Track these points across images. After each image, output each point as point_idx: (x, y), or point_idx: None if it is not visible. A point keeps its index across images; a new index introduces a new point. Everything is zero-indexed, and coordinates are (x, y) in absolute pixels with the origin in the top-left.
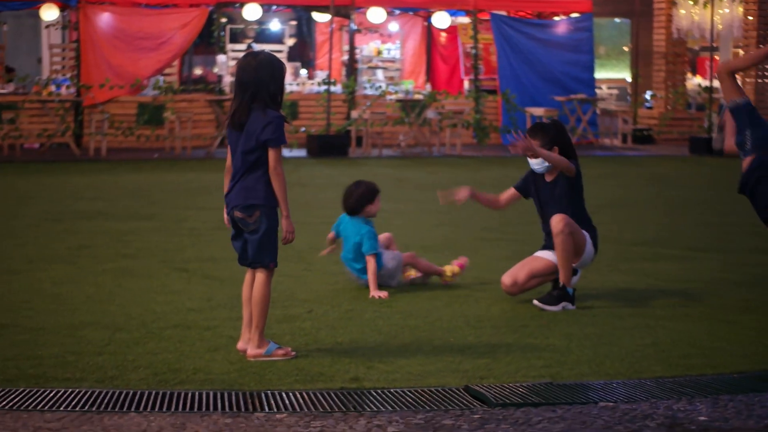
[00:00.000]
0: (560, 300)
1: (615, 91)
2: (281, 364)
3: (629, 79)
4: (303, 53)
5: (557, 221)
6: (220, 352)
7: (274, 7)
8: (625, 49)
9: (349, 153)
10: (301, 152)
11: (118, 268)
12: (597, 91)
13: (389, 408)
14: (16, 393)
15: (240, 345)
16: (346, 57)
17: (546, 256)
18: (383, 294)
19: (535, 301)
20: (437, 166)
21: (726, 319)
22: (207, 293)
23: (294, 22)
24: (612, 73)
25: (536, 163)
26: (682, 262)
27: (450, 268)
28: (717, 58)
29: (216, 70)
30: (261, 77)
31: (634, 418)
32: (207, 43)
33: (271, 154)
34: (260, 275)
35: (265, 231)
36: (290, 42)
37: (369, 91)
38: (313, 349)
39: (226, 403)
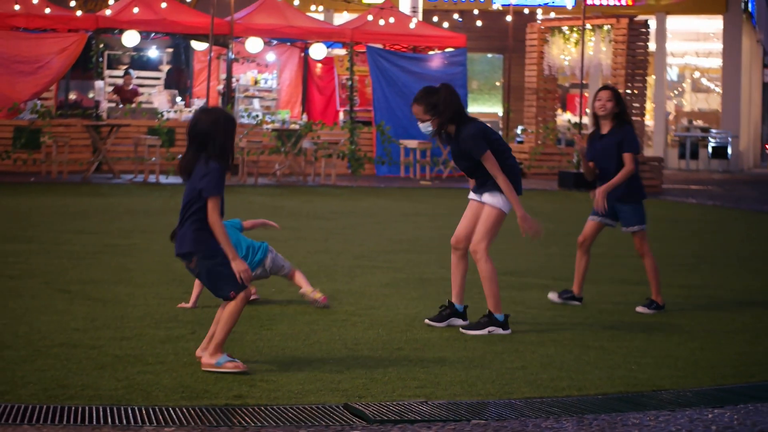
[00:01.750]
0: (486, 325)
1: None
2: (167, 382)
3: (501, 114)
4: (180, 81)
5: (472, 250)
6: (107, 370)
7: (153, 35)
8: (498, 84)
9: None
10: (177, 179)
11: (2, 288)
12: None
13: (273, 423)
14: None
15: (198, 352)
16: (223, 85)
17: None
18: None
19: (462, 329)
20: (312, 195)
21: (593, 345)
22: (90, 314)
23: (171, 50)
24: (485, 108)
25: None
26: (550, 291)
27: (313, 293)
28: (586, 94)
29: (92, 95)
30: (210, 131)
31: None
32: (84, 68)
33: (208, 203)
34: (230, 303)
35: (207, 272)
36: (167, 69)
37: (246, 120)
38: (197, 368)
39: (116, 417)
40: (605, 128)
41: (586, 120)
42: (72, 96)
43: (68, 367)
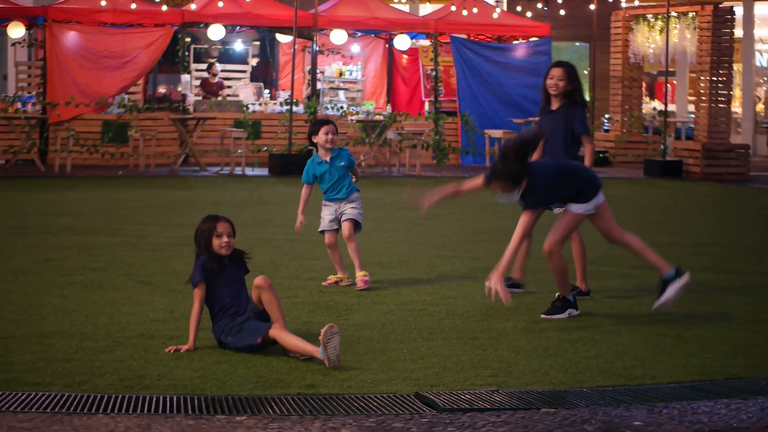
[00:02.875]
0: (564, 309)
1: None
2: (241, 372)
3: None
4: (266, 73)
5: (545, 245)
6: (183, 360)
7: (238, 28)
8: (585, 72)
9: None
10: (263, 171)
11: (85, 280)
12: None
13: (343, 412)
14: None
15: None
16: (308, 78)
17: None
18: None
19: (543, 315)
20: (396, 185)
21: (669, 334)
22: (170, 305)
23: (257, 43)
24: None
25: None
26: (629, 279)
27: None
28: (674, 82)
29: (180, 89)
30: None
31: (573, 423)
32: (171, 62)
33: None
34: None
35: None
36: (253, 62)
37: (330, 112)
38: (271, 358)
39: (189, 406)
40: (555, 105)
41: (672, 107)
42: (161, 90)
43: (145, 358)
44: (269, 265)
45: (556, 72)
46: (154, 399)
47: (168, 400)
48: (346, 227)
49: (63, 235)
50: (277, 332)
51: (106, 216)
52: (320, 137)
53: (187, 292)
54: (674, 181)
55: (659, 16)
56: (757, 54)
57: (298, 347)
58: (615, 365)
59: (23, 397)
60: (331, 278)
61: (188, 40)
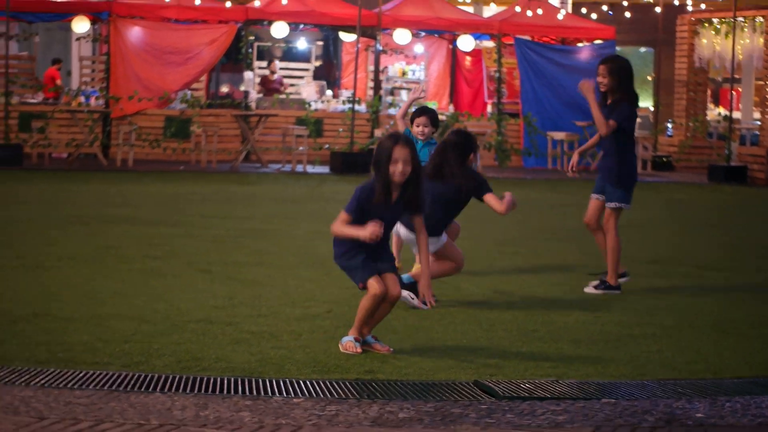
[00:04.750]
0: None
1: (638, 120)
2: (299, 357)
3: (652, 108)
4: (329, 72)
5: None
6: (242, 345)
7: (302, 26)
8: (649, 78)
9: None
10: (324, 169)
11: (145, 268)
12: None
13: (401, 397)
14: (48, 373)
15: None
16: (371, 77)
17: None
18: None
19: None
20: None
21: (732, 331)
22: (229, 293)
23: (321, 42)
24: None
25: None
26: (693, 279)
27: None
28: (739, 89)
29: (242, 87)
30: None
31: (634, 413)
32: (234, 60)
33: None
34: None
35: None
36: (316, 62)
37: (393, 111)
38: (331, 345)
39: (246, 388)
40: (608, 101)
41: (737, 114)
42: (224, 89)
43: (203, 341)
44: (329, 257)
45: (601, 69)
46: (212, 380)
47: (225, 381)
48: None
49: (123, 225)
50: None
51: (166, 208)
52: (413, 128)
53: (246, 281)
54: (739, 186)
55: (725, 21)
56: None
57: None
58: (677, 360)
59: (81, 375)
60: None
61: (252, 37)
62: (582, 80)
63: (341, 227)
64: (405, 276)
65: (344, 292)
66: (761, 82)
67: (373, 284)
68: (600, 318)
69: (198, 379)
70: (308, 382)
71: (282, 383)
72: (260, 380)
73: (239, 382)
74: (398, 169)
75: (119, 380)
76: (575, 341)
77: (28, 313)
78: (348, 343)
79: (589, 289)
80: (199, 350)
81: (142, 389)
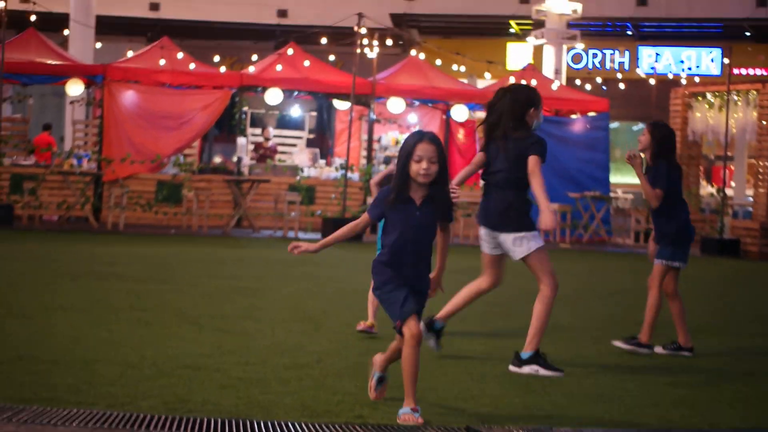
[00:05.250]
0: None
1: (630, 196)
2: (288, 402)
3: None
4: (322, 140)
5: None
6: (229, 390)
7: (296, 93)
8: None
9: (363, 238)
10: (316, 235)
11: (132, 318)
12: (612, 194)
13: None
14: (31, 410)
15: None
16: (365, 146)
17: None
18: None
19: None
20: (450, 252)
21: (728, 387)
22: (217, 342)
23: (314, 113)
24: (627, 178)
25: None
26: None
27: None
28: (732, 167)
29: (236, 153)
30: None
31: None
32: (228, 131)
33: None
34: None
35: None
36: (310, 129)
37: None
38: (320, 393)
39: (234, 428)
40: (649, 163)
41: (729, 192)
42: (216, 160)
43: (190, 386)
44: (320, 314)
45: (644, 129)
46: (198, 420)
47: (212, 422)
48: None
49: (112, 281)
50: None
51: (156, 267)
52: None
53: (234, 332)
54: (732, 259)
55: (719, 95)
56: None
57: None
58: (672, 413)
59: (65, 413)
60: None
61: (246, 108)
62: (630, 151)
63: (345, 227)
64: (523, 354)
65: (334, 344)
66: (753, 160)
67: (412, 325)
68: (593, 374)
69: (184, 419)
70: (297, 424)
71: (270, 425)
72: (248, 421)
73: (226, 423)
74: (422, 167)
75: (104, 419)
76: (569, 394)
77: (13, 356)
78: (406, 416)
79: (620, 343)
80: (186, 393)
81: (127, 427)
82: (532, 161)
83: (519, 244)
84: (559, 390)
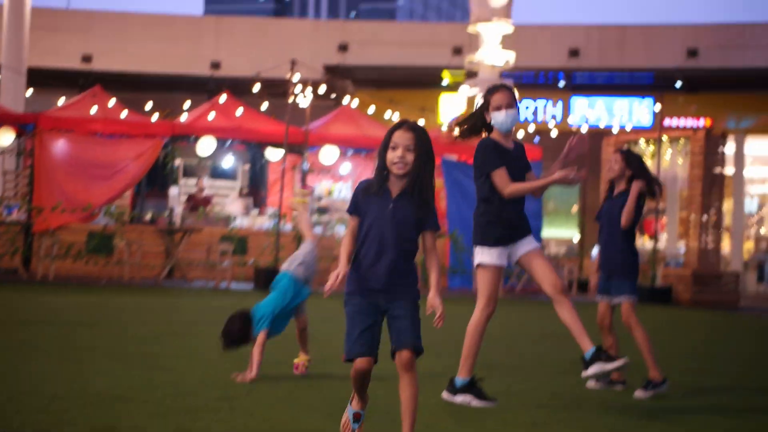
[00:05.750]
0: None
1: (563, 249)
2: (218, 428)
3: (576, 240)
4: (255, 190)
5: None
6: (159, 418)
7: (229, 143)
8: (573, 211)
9: None
10: (249, 285)
11: (61, 356)
12: (545, 248)
13: None
14: None
15: None
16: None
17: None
18: None
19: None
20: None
21: (657, 423)
22: (148, 377)
23: (248, 165)
24: (560, 231)
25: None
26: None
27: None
28: (663, 221)
29: (167, 213)
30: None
31: None
32: (160, 181)
33: None
34: None
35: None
36: (243, 179)
37: (318, 229)
38: (250, 422)
39: None
40: (617, 190)
41: (662, 244)
42: (148, 217)
43: (119, 414)
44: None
45: (613, 157)
46: None
47: None
48: None
49: (41, 326)
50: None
51: (85, 313)
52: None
53: (165, 368)
54: (664, 306)
55: (651, 141)
56: (747, 194)
57: None
58: None
59: None
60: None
61: (177, 160)
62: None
63: (344, 240)
64: (458, 379)
65: (266, 379)
66: (685, 214)
67: (356, 363)
68: (526, 405)
69: None
70: None
71: None
72: None
73: None
74: (397, 154)
75: None
76: (502, 422)
77: None
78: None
79: (639, 394)
80: (114, 421)
81: None
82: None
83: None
84: (492, 417)
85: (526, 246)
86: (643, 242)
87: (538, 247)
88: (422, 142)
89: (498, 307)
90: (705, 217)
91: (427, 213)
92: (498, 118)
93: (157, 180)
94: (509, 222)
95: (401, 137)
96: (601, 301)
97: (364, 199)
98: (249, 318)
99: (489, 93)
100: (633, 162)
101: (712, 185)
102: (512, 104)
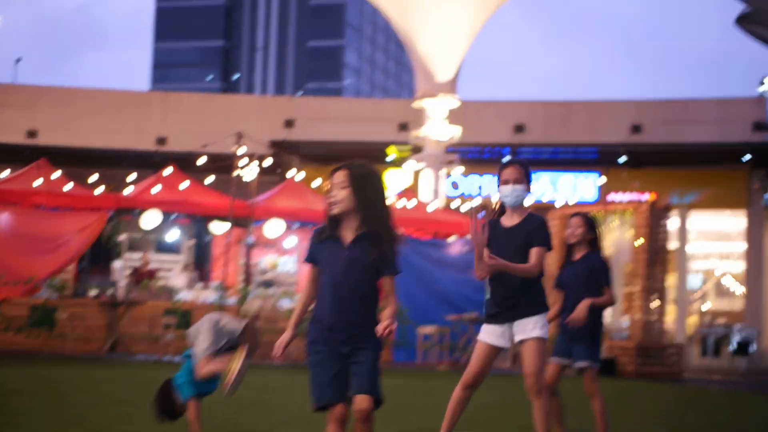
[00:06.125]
0: None
1: None
2: None
3: None
4: (199, 264)
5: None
6: None
7: (174, 216)
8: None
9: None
10: None
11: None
12: None
13: None
14: None
15: None
16: (243, 270)
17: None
18: None
19: None
20: None
21: None
22: None
23: (193, 240)
24: None
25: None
26: None
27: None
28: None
29: (110, 292)
30: None
31: None
32: (104, 255)
33: None
34: None
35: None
36: (187, 252)
37: (261, 303)
38: None
39: None
40: (578, 255)
41: (606, 320)
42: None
43: None
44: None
45: (574, 221)
46: None
47: None
48: None
49: None
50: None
51: (25, 383)
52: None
53: None
54: (608, 378)
55: (595, 215)
56: (691, 269)
57: None
58: None
59: None
60: None
61: (122, 236)
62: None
63: (302, 293)
64: None
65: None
66: (629, 289)
67: (331, 411)
68: None
69: None
70: None
71: None
72: None
73: None
74: (330, 195)
75: None
76: None
77: None
78: None
79: None
80: None
81: None
82: None
83: None
84: None
85: (521, 333)
86: None
87: (532, 337)
88: (356, 177)
89: (442, 378)
90: (649, 289)
91: (382, 257)
92: (503, 192)
93: (101, 256)
94: (500, 300)
95: (334, 178)
96: (554, 362)
97: (317, 246)
98: (169, 384)
99: (501, 167)
100: (593, 226)
101: (656, 257)
102: (520, 179)
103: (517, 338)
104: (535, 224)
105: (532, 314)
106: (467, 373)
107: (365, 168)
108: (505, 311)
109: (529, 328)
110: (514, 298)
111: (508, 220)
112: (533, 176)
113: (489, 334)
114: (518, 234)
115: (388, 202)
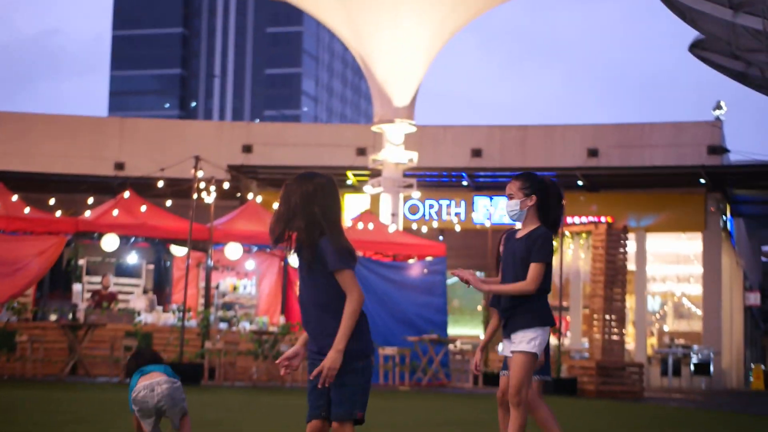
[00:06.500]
0: None
1: (469, 347)
2: None
3: (482, 336)
4: (159, 287)
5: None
6: None
7: (133, 239)
8: (479, 308)
9: (202, 382)
10: None
11: None
12: (451, 346)
13: None
14: None
15: None
16: (203, 293)
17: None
18: None
19: None
20: (290, 396)
21: None
22: None
23: (151, 265)
24: (466, 329)
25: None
26: None
27: None
28: (568, 318)
29: (69, 311)
30: None
31: None
32: (63, 279)
33: None
34: None
35: None
36: (147, 276)
37: (223, 325)
38: None
39: None
40: (520, 232)
41: (566, 342)
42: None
43: None
44: None
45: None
46: None
47: None
48: None
49: None
50: None
51: None
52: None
53: None
54: (569, 398)
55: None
56: (648, 292)
57: None
58: None
59: None
60: None
61: (81, 249)
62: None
63: None
64: None
65: None
66: (587, 310)
67: (308, 428)
68: None
69: None
70: None
71: None
72: None
73: None
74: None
75: None
76: None
77: None
78: None
79: None
80: None
81: None
82: None
83: None
84: None
85: (511, 346)
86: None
87: (517, 350)
88: (291, 189)
89: (403, 398)
90: (608, 309)
91: (313, 255)
92: (505, 207)
93: (60, 280)
94: (501, 314)
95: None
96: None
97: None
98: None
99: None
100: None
101: (615, 278)
102: (513, 194)
103: (507, 351)
104: (534, 238)
105: (522, 328)
106: (498, 392)
107: (305, 178)
108: (505, 325)
109: (516, 342)
110: (510, 310)
111: (520, 232)
112: (535, 187)
113: (503, 348)
114: (522, 247)
115: (320, 203)
